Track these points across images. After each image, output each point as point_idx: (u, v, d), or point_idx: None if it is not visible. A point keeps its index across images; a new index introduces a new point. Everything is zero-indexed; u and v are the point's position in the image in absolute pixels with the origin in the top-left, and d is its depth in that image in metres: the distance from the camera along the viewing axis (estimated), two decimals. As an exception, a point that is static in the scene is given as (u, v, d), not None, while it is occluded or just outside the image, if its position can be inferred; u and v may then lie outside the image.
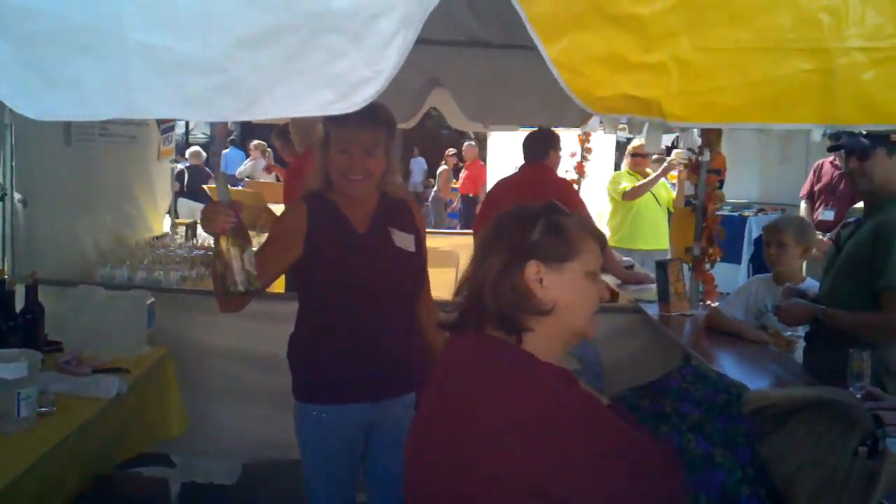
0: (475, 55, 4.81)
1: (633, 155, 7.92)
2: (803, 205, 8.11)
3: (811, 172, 8.26)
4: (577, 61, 1.45)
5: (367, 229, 3.07)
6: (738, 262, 9.68)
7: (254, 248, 2.71)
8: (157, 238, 6.31)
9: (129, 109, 1.43)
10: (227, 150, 17.99)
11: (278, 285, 6.13)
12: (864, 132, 3.61)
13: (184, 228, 6.84)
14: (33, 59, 1.44)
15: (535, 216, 1.86)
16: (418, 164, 20.67)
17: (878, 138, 3.54)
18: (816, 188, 8.01)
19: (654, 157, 8.26)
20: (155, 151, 6.63)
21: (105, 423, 3.42)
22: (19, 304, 3.76)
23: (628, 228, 7.75)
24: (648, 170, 8.11)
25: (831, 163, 7.96)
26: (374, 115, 2.95)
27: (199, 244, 6.22)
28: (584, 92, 1.47)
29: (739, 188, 10.63)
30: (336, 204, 3.05)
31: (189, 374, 4.50)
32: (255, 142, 15.08)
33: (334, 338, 3.02)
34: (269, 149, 13.43)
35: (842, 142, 3.70)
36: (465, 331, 1.89)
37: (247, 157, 15.88)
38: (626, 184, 7.70)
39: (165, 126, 6.75)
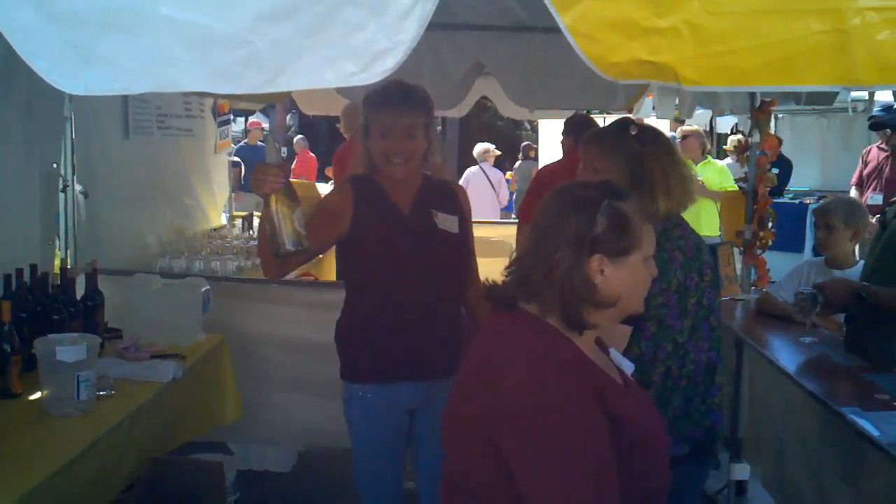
0: (520, 39, 4.80)
1: (682, 139, 7.88)
2: (853, 192, 8.05)
3: (860, 159, 8.22)
4: (592, 28, 1.47)
5: (410, 211, 3.13)
6: (801, 250, 9.54)
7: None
8: (215, 230, 6.42)
9: (161, 83, 1.49)
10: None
11: (331, 274, 6.25)
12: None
13: (241, 220, 6.93)
14: (71, 37, 1.50)
15: (596, 204, 1.84)
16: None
17: None
18: (865, 173, 7.94)
19: (734, 145, 8.24)
20: (212, 144, 6.75)
21: (161, 407, 3.50)
22: (81, 294, 3.87)
23: None
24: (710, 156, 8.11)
25: (878, 147, 7.93)
26: (411, 98, 3.02)
27: (255, 235, 6.30)
28: (599, 58, 1.48)
29: (801, 176, 10.54)
30: (380, 186, 3.11)
31: (245, 361, 4.58)
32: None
33: (378, 318, 3.08)
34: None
35: (883, 118, 3.66)
36: (509, 309, 1.91)
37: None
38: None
39: (221, 119, 6.87)
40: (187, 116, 6.23)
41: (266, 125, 11.52)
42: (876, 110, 7.85)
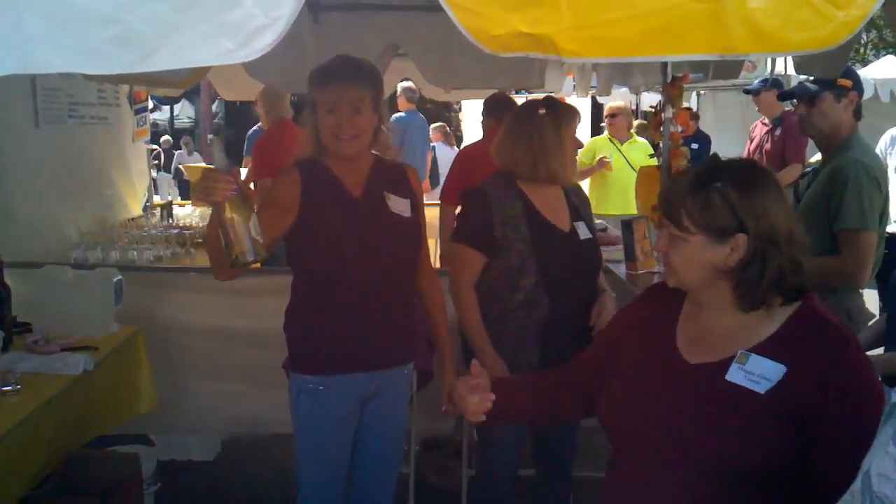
0: (435, 20, 4.76)
1: (610, 116, 7.86)
2: None
3: (748, 136, 8.39)
4: (471, 0, 1.46)
5: (361, 193, 2.99)
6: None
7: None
8: (133, 219, 6.30)
9: (27, 64, 1.42)
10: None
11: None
12: (812, 78, 3.64)
13: (159, 209, 6.82)
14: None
15: None
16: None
17: (825, 83, 3.56)
18: (751, 149, 8.06)
19: (639, 124, 8.24)
20: (129, 133, 6.63)
21: (72, 400, 3.43)
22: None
23: (597, 194, 7.76)
24: (633, 130, 8.12)
25: (762, 122, 8.11)
26: (356, 71, 2.90)
27: (174, 224, 6.24)
28: (479, 31, 1.47)
29: (722, 151, 10.62)
30: (329, 169, 2.97)
31: (165, 351, 4.53)
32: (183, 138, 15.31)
33: (331, 306, 2.94)
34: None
35: (791, 89, 3.73)
36: None
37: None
38: (603, 154, 7.68)
39: (138, 107, 6.75)
40: (101, 104, 6.09)
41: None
42: (757, 82, 8.08)
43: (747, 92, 8.33)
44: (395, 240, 3.00)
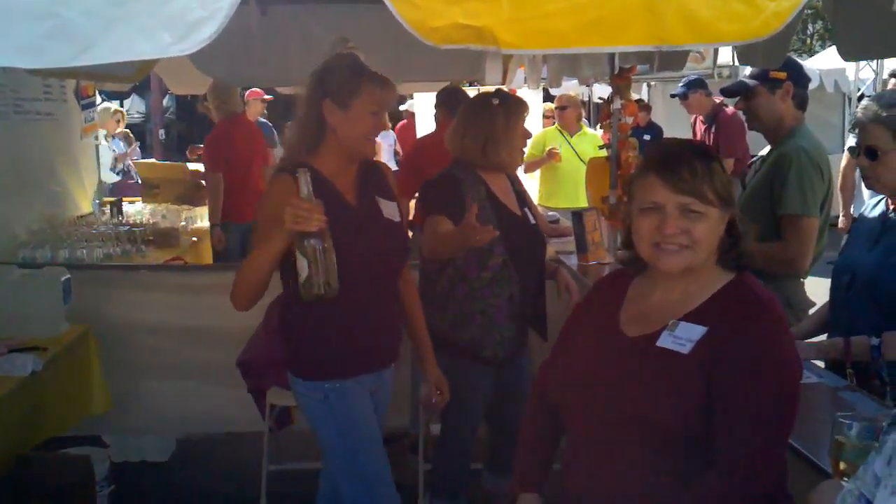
0: (384, 12, 4.73)
1: (559, 108, 7.87)
2: None
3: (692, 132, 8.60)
4: (411, -7, 1.47)
5: (356, 200, 2.94)
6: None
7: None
8: (82, 217, 6.22)
9: (-42, 59, 1.41)
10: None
11: (207, 256, 6.15)
12: (748, 74, 3.70)
13: (109, 206, 6.72)
14: None
15: None
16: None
17: (759, 77, 3.62)
18: None
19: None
20: (77, 129, 6.52)
21: (21, 401, 3.40)
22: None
23: (547, 186, 7.77)
24: (584, 122, 8.14)
25: (700, 120, 8.32)
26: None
27: (124, 221, 6.17)
28: (419, 23, 1.48)
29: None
30: (322, 174, 2.85)
31: (116, 350, 4.48)
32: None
33: (339, 313, 2.86)
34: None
35: (729, 86, 3.81)
36: None
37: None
38: (552, 146, 7.68)
39: (86, 102, 6.64)
40: (47, 100, 5.97)
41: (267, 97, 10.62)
42: (680, 86, 8.28)
43: (674, 96, 8.52)
44: (391, 244, 3.00)
